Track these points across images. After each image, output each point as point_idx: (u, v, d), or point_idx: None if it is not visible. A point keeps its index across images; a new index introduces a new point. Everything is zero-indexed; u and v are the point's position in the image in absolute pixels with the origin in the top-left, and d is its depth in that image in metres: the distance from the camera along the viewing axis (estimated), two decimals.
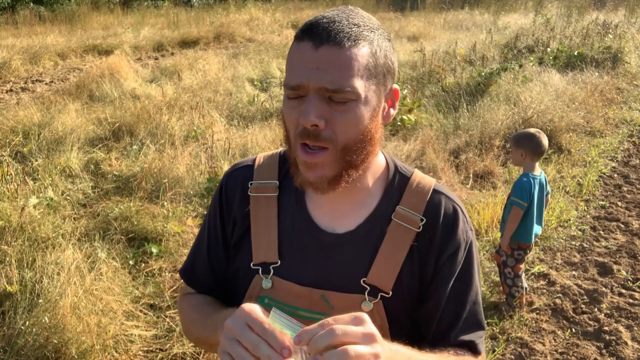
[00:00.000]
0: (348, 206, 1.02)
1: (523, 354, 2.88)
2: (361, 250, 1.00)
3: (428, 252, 1.00)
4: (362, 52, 0.90)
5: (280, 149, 1.13)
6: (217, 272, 1.11)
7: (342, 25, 0.90)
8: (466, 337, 1.02)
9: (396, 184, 1.05)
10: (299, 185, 0.97)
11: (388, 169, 1.06)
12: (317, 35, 0.89)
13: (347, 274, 0.99)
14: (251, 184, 1.07)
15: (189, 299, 1.14)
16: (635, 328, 3.10)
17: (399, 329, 0.99)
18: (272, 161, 1.10)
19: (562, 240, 4.07)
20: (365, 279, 0.98)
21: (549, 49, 9.68)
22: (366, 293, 0.97)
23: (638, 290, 3.47)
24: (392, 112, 0.99)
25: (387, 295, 0.97)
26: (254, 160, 1.11)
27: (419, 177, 1.06)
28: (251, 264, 1.02)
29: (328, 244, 1.01)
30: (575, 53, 9.25)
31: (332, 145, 0.91)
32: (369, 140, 0.94)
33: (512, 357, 2.87)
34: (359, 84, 0.90)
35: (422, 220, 1.00)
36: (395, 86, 0.98)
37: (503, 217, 3.20)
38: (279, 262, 1.01)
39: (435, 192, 1.04)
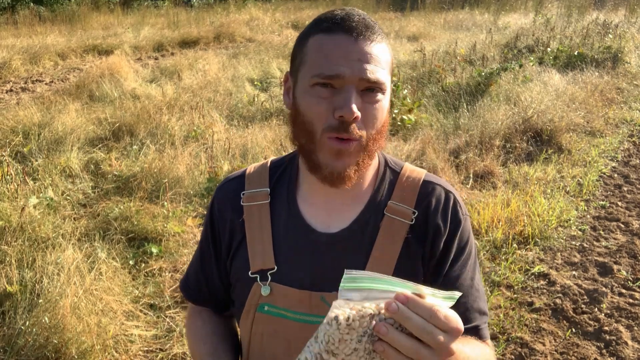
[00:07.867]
0: (340, 204, 1.02)
1: (523, 354, 2.88)
2: (356, 247, 1.00)
3: (424, 242, 1.00)
4: (385, 47, 0.95)
5: (271, 157, 1.14)
6: (210, 284, 1.13)
7: (369, 21, 0.94)
8: (469, 324, 1.00)
9: (387, 178, 1.05)
10: (322, 180, 0.96)
11: (378, 164, 1.07)
12: (353, 29, 0.91)
13: (343, 273, 0.98)
14: (243, 194, 1.08)
15: (190, 322, 1.17)
16: (636, 328, 3.09)
17: None
18: (262, 169, 1.10)
19: (562, 240, 4.06)
20: None
21: (549, 49, 9.67)
22: None
23: (638, 290, 3.47)
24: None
25: None
26: (244, 171, 1.12)
27: (409, 170, 1.07)
28: (249, 273, 1.02)
29: (322, 244, 1.01)
30: (576, 53, 9.25)
31: (361, 136, 0.93)
32: (385, 131, 0.98)
33: (512, 357, 2.86)
34: (387, 77, 0.94)
35: (414, 212, 1.01)
36: None
37: None
38: (276, 267, 1.00)
39: (426, 182, 1.04)
